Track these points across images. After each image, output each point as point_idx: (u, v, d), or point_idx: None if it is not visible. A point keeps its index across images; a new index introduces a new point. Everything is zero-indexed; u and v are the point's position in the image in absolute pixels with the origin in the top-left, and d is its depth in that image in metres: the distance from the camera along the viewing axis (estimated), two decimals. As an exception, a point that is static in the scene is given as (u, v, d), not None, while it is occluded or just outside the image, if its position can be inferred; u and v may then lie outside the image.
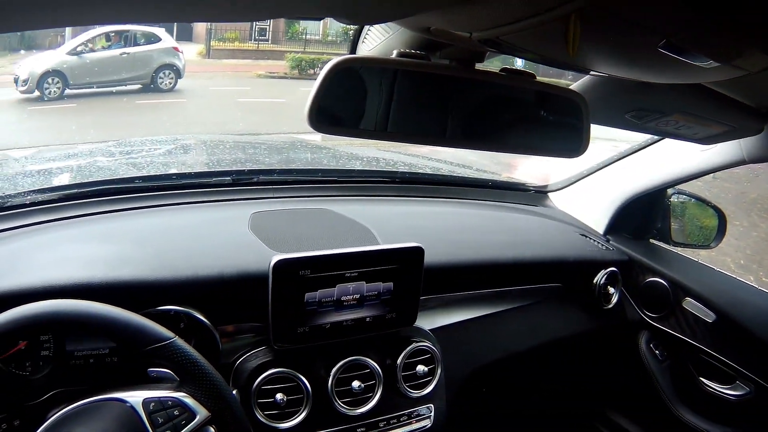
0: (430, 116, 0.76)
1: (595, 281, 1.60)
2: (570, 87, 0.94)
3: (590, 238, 1.70)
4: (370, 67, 0.72)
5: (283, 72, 11.11)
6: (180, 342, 0.97)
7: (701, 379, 1.61)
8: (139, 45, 10.35)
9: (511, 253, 1.54)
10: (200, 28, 12.64)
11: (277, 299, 1.15)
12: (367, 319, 1.24)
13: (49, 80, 9.19)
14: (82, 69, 9.56)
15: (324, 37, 13.24)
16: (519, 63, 0.86)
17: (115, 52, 10.18)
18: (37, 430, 0.91)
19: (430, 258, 1.26)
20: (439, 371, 1.31)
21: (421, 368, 1.28)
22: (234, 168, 1.78)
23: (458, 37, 0.66)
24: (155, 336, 0.96)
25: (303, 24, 13.00)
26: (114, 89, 9.73)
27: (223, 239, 1.33)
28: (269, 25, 12.83)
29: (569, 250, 1.63)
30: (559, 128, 0.82)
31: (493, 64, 0.79)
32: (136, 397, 0.94)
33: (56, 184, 1.58)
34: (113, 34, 10.28)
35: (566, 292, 1.61)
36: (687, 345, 1.60)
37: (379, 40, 0.83)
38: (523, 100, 0.81)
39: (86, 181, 1.57)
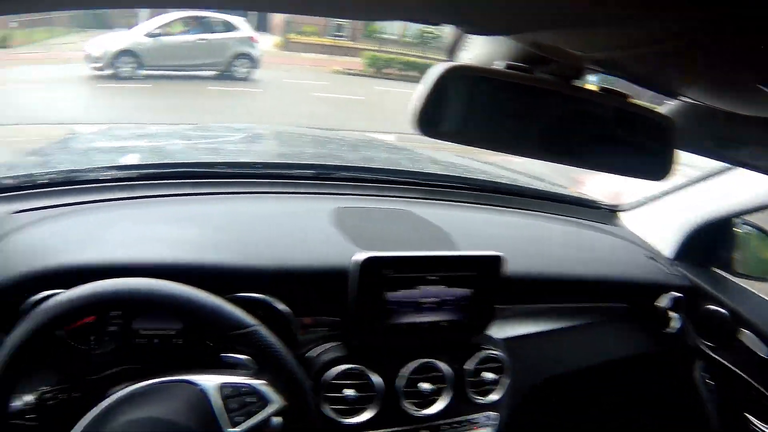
0: (524, 128, 0.78)
1: (658, 304, 1.60)
2: (658, 110, 0.93)
3: (657, 261, 1.69)
4: (475, 75, 0.73)
5: (359, 69, 10.85)
6: (263, 330, 0.98)
7: (747, 415, 1.57)
8: (216, 32, 10.37)
9: (581, 270, 1.56)
10: (278, 19, 12.53)
11: (358, 296, 1.16)
12: (444, 323, 1.25)
13: (124, 59, 9.28)
14: (158, 51, 9.62)
15: (402, 38, 12.95)
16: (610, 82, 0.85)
17: (193, 37, 10.25)
18: (98, 405, 0.91)
19: (507, 268, 1.28)
20: (506, 380, 1.32)
21: (489, 375, 1.29)
22: (315, 162, 1.77)
23: (568, 54, 0.70)
24: (239, 322, 0.98)
25: (381, 23, 12.81)
26: (189, 73, 9.80)
27: (306, 231, 1.34)
28: (348, 22, 12.60)
29: (637, 271, 1.65)
30: (644, 150, 0.83)
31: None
32: (210, 381, 0.95)
33: (134, 163, 1.60)
34: (191, 20, 10.38)
35: (630, 312, 1.62)
36: (738, 378, 1.57)
37: (479, 49, 0.82)
38: (613, 118, 0.80)
39: (167, 162, 1.59)
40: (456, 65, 0.71)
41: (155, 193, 1.35)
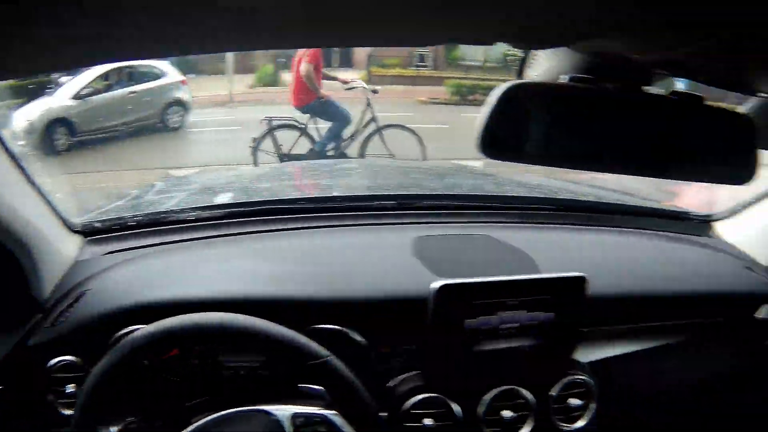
0: (595, 141, 0.74)
1: (758, 316, 1.51)
2: (737, 110, 0.86)
3: (755, 271, 1.60)
4: (538, 92, 0.71)
5: (444, 98, 10.80)
6: (336, 361, 0.99)
7: None
8: (143, 82, 9.24)
9: (672, 285, 1.48)
10: (360, 54, 12.77)
11: (436, 324, 1.15)
12: (525, 349, 1.22)
13: (58, 130, 8.33)
14: (91, 113, 8.64)
15: (484, 63, 12.85)
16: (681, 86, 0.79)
17: (122, 91, 9.07)
18: None
19: (591, 288, 1.23)
20: (593, 405, 1.28)
21: (575, 401, 1.25)
22: (398, 192, 1.79)
23: (634, 60, 0.67)
24: (313, 353, 0.99)
25: (463, 50, 12.79)
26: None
27: (384, 262, 1.34)
28: (429, 51, 12.65)
29: (733, 282, 1.56)
30: (725, 153, 0.79)
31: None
32: (284, 411, 0.98)
33: (219, 202, 1.66)
34: (115, 73, 9.18)
35: (727, 327, 1.53)
36: None
37: (544, 64, 0.79)
38: (687, 123, 0.76)
39: (248, 200, 1.65)
40: (517, 83, 0.69)
41: (237, 231, 1.40)
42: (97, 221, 1.42)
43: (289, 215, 1.47)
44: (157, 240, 1.36)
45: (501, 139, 0.70)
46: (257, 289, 1.17)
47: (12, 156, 1.05)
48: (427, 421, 1.15)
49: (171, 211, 1.45)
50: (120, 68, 9.05)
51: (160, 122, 9.06)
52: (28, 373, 1.12)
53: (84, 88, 8.79)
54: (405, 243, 1.37)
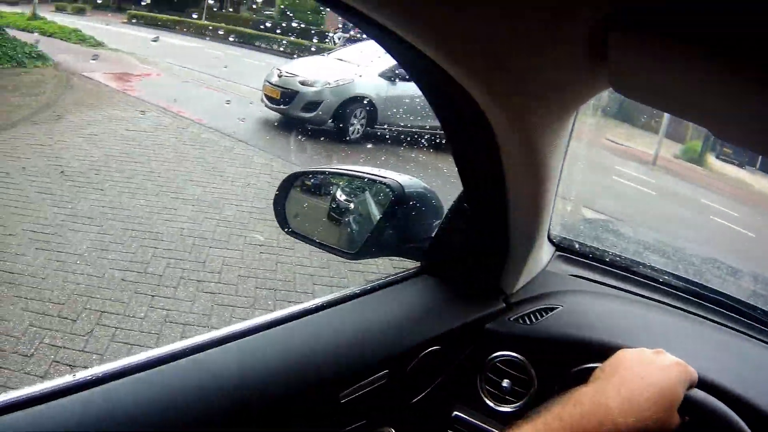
0: None
1: None
2: None
3: None
4: None
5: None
6: None
7: None
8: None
9: None
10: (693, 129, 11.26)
11: None
12: None
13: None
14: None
15: None
16: None
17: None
18: None
19: None
20: None
21: None
22: None
23: None
24: None
25: None
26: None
27: None
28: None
29: None
30: None
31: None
32: None
33: (686, 277, 1.42)
34: None
35: None
36: None
37: None
38: None
39: (719, 290, 1.38)
40: None
41: (700, 313, 1.27)
42: (576, 242, 1.43)
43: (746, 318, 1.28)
44: (627, 287, 1.33)
45: None
46: (722, 379, 0.98)
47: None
48: None
49: (647, 265, 1.40)
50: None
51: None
52: (472, 350, 1.16)
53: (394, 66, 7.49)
54: None
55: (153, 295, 3.72)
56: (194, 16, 22.69)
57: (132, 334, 3.33)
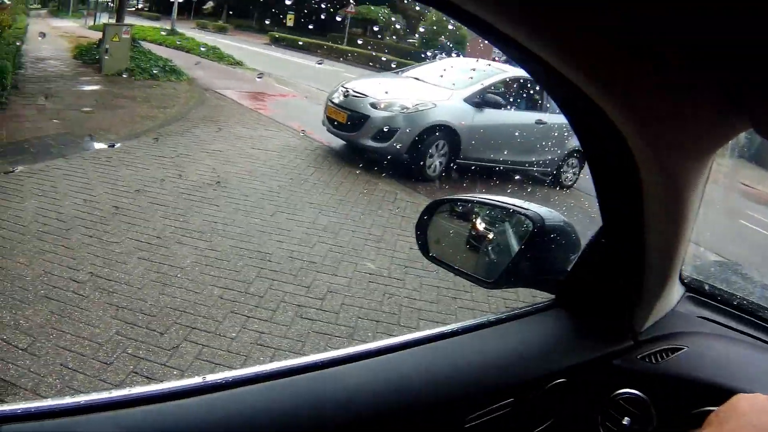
0: None
1: None
2: None
3: None
4: None
5: None
6: None
7: None
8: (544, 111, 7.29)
9: None
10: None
11: None
12: None
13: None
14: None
15: None
16: None
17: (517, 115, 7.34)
18: None
19: None
20: None
21: None
22: None
23: None
24: None
25: None
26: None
27: None
28: None
29: None
30: None
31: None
32: None
33: None
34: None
35: None
36: None
37: None
38: None
39: None
40: None
41: None
42: (706, 283, 1.43)
43: None
44: (750, 330, 1.32)
45: None
46: None
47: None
48: None
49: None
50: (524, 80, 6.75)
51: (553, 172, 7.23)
52: (596, 385, 1.16)
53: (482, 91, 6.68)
54: None
55: (249, 316, 3.73)
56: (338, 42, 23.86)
57: (219, 354, 3.32)
